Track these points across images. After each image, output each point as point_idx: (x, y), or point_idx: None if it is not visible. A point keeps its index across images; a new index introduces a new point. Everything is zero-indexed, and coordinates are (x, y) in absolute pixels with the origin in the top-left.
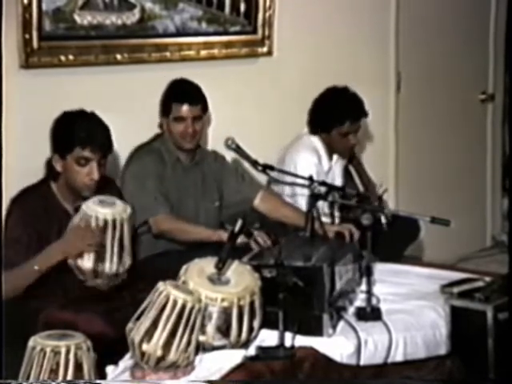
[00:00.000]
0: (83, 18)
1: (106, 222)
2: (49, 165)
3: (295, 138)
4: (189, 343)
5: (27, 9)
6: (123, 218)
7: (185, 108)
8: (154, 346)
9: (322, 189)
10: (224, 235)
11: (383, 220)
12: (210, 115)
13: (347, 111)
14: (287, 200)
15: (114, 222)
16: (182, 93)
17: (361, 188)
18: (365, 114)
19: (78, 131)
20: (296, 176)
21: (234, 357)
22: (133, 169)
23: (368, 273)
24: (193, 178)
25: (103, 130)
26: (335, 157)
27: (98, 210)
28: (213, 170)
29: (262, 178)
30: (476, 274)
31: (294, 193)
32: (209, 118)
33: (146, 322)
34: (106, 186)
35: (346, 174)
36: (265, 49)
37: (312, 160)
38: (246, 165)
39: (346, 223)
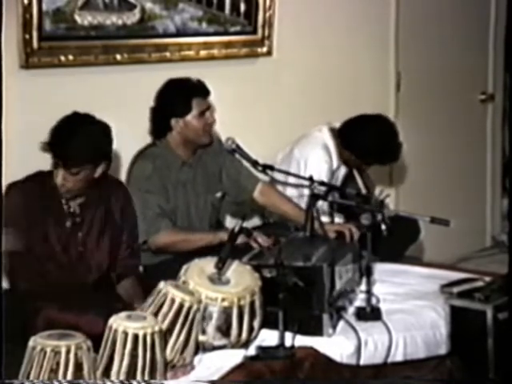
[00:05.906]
0: (83, 18)
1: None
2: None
3: (305, 133)
4: (186, 343)
5: (27, 9)
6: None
7: (207, 100)
8: None
9: (322, 189)
10: (225, 236)
11: (383, 227)
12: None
13: (389, 158)
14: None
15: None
16: (200, 87)
17: (363, 190)
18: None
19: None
20: (296, 176)
21: (234, 357)
22: (135, 181)
23: (368, 273)
24: (199, 173)
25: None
26: None
27: None
28: (211, 155)
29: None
30: (476, 274)
31: (293, 193)
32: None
33: None
34: (115, 188)
35: (351, 176)
36: (264, 49)
37: (324, 157)
38: (246, 165)
39: (346, 223)
